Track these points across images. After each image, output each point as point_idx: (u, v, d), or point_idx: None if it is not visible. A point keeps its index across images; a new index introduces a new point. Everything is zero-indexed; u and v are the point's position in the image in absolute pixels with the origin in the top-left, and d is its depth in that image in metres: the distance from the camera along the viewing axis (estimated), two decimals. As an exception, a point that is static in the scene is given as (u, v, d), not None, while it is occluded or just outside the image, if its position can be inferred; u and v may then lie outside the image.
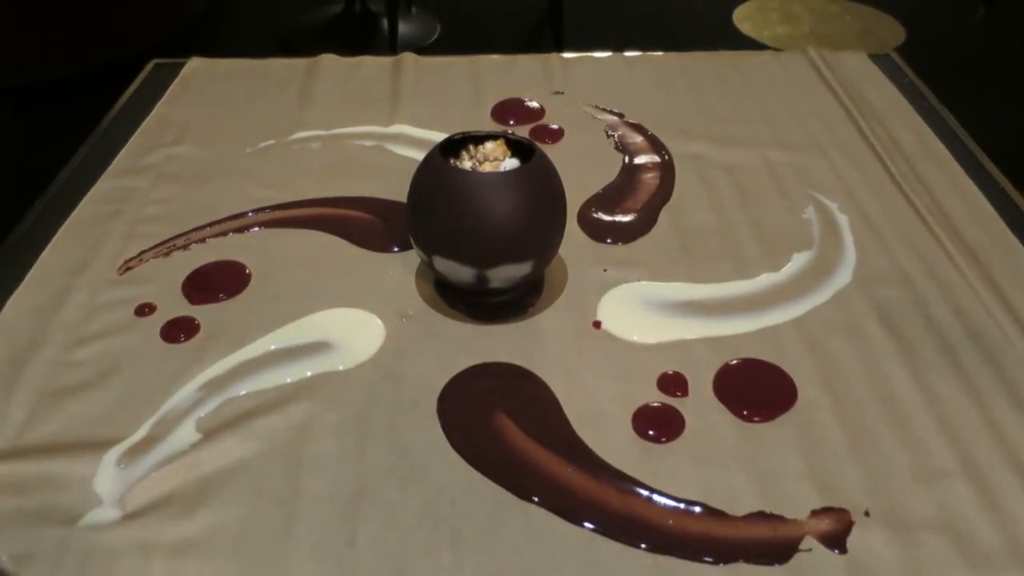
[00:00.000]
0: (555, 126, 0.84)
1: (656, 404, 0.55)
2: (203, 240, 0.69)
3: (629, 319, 0.61)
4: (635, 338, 0.60)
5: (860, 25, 2.51)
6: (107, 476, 0.50)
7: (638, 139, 0.82)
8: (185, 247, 0.68)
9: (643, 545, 0.47)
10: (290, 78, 0.92)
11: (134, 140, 0.82)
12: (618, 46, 0.98)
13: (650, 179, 0.77)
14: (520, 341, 0.60)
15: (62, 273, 0.65)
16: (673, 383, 0.56)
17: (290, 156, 0.80)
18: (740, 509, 0.49)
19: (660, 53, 0.97)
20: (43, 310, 0.62)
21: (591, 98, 0.88)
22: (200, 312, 0.62)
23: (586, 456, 0.52)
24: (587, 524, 0.48)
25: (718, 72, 0.92)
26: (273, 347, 0.59)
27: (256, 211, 0.72)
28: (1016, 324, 0.60)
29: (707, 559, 0.46)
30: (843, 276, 0.65)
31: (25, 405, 0.55)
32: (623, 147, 0.81)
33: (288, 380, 0.57)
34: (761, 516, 0.48)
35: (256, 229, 0.71)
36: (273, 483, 0.50)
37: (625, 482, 0.50)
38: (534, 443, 0.52)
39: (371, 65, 0.95)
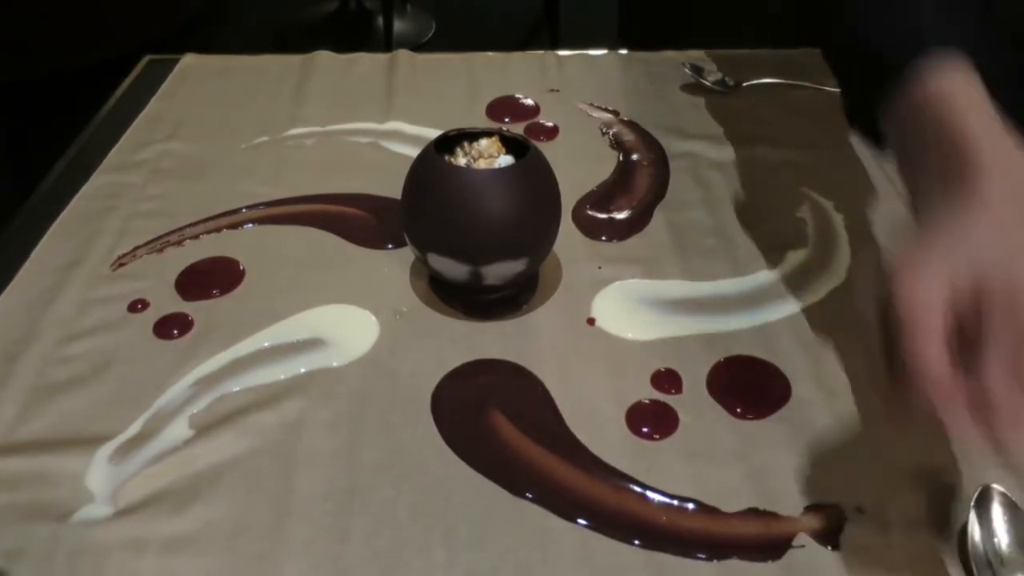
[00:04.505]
0: (550, 124, 0.84)
1: (650, 401, 0.55)
2: (197, 236, 0.69)
3: (623, 316, 0.61)
4: (629, 335, 0.60)
5: (855, 25, 2.52)
6: (99, 472, 0.50)
7: (633, 137, 0.82)
8: (179, 243, 0.68)
9: (636, 541, 0.47)
10: (285, 75, 0.92)
11: (128, 136, 0.81)
12: (613, 44, 0.98)
13: (645, 177, 0.77)
14: (514, 338, 0.60)
15: (55, 268, 0.65)
16: (667, 380, 0.56)
17: (285, 152, 0.80)
18: (733, 506, 0.49)
19: (655, 51, 0.97)
20: (35, 305, 0.62)
21: (586, 96, 0.88)
22: (193, 308, 0.62)
23: (580, 453, 0.52)
24: (580, 521, 0.48)
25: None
26: (267, 344, 0.59)
27: (250, 207, 0.72)
28: (1009, 322, 0.61)
29: (700, 555, 0.46)
30: (837, 274, 0.65)
31: (17, 400, 0.54)
32: (618, 145, 0.81)
33: (282, 377, 0.56)
34: (754, 513, 0.48)
35: (250, 225, 0.70)
36: (266, 480, 0.50)
37: (619, 479, 0.50)
38: (528, 440, 0.52)
39: (366, 62, 0.95)
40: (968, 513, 0.46)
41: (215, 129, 0.82)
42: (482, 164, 0.59)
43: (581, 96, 0.88)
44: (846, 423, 0.53)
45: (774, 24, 0.96)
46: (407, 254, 0.65)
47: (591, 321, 0.61)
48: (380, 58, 0.95)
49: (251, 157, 0.79)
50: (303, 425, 0.53)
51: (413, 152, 0.62)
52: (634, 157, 0.79)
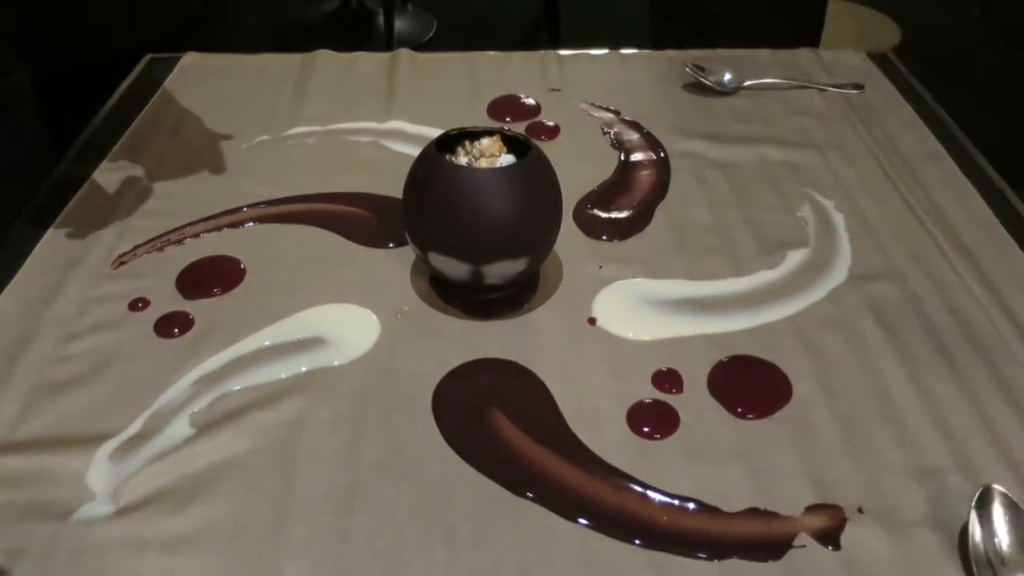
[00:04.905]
0: (551, 123, 0.84)
1: (651, 401, 0.55)
2: (198, 235, 0.69)
3: (624, 316, 0.61)
4: (630, 335, 0.60)
5: (856, 25, 2.52)
6: (100, 471, 0.50)
7: (634, 136, 0.82)
8: (179, 242, 0.68)
9: (637, 541, 0.47)
10: (286, 74, 0.92)
11: (128, 135, 0.81)
12: (614, 44, 0.98)
13: (646, 176, 0.77)
14: (515, 338, 0.60)
15: (55, 267, 0.65)
16: (668, 380, 0.56)
17: (285, 151, 0.80)
18: (734, 505, 0.49)
19: (656, 51, 0.97)
20: (36, 304, 0.62)
21: (587, 95, 0.88)
22: (194, 307, 0.62)
23: (581, 452, 0.51)
24: (581, 520, 0.48)
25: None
26: (268, 342, 0.59)
27: (251, 206, 0.72)
28: (1010, 322, 0.61)
29: (701, 555, 0.46)
30: (838, 274, 0.65)
31: (18, 399, 0.54)
32: (619, 144, 0.81)
33: (283, 375, 0.56)
34: (755, 512, 0.48)
35: (251, 224, 0.70)
36: (267, 479, 0.50)
37: (619, 478, 0.50)
38: (529, 439, 0.52)
39: (367, 61, 0.95)
40: (969, 513, 0.46)
41: (216, 128, 0.82)
42: (483, 163, 0.59)
43: (582, 96, 0.88)
44: (847, 423, 0.53)
45: (790, 22, 0.96)
46: (408, 253, 0.65)
47: (592, 321, 0.61)
48: (381, 57, 0.95)
49: (252, 156, 0.79)
50: (304, 424, 0.53)
51: (414, 151, 0.62)
52: (635, 157, 0.79)
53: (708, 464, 0.51)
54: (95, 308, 0.62)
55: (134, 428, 0.53)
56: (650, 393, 0.55)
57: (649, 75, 0.92)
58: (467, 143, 0.61)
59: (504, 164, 0.59)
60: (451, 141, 0.61)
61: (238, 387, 0.55)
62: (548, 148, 0.61)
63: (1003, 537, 0.45)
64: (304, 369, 0.57)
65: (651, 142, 0.81)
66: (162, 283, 0.64)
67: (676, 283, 0.65)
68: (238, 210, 0.72)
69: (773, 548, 0.46)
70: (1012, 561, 0.44)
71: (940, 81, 0.96)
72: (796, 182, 0.76)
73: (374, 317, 0.61)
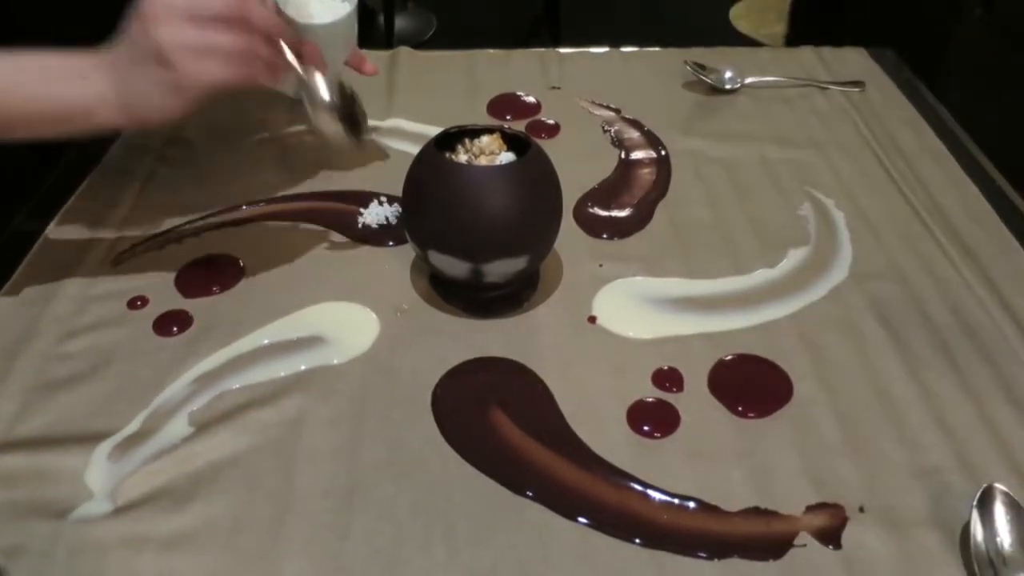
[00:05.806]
0: (551, 121, 0.84)
1: (651, 399, 0.55)
2: (197, 233, 0.69)
3: (625, 314, 0.61)
4: (630, 333, 0.60)
5: (857, 23, 2.51)
6: (99, 469, 0.50)
7: (634, 135, 0.82)
8: (179, 240, 0.68)
9: (637, 540, 0.47)
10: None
11: (128, 134, 0.81)
12: (614, 42, 0.98)
13: (646, 175, 0.76)
14: (515, 336, 0.59)
15: (55, 265, 0.65)
16: (668, 378, 0.56)
17: (285, 149, 0.79)
18: (735, 504, 0.48)
19: (657, 49, 0.97)
20: (35, 302, 0.62)
21: (587, 93, 0.88)
22: (193, 305, 0.62)
23: (581, 451, 0.51)
24: (581, 519, 0.48)
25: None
26: (267, 341, 0.59)
27: (251, 204, 0.72)
28: (1012, 321, 0.60)
29: (701, 554, 0.46)
30: (839, 272, 0.65)
31: (16, 398, 0.54)
32: (619, 142, 0.81)
33: (282, 374, 0.56)
34: (756, 512, 0.48)
35: (251, 223, 0.70)
36: (266, 477, 0.50)
37: (620, 477, 0.50)
38: (529, 438, 0.52)
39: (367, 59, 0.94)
40: (970, 513, 0.46)
41: (216, 126, 0.82)
42: (483, 161, 0.59)
43: (582, 93, 0.88)
44: (847, 422, 0.53)
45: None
46: (408, 251, 0.65)
47: (592, 319, 0.61)
48: (381, 55, 0.95)
49: (252, 154, 0.79)
50: (303, 423, 0.53)
51: (414, 149, 0.62)
52: (635, 155, 0.79)
53: (708, 463, 0.51)
54: (94, 306, 0.61)
55: (133, 426, 0.53)
56: (650, 392, 0.55)
57: (650, 73, 0.92)
58: (467, 141, 0.61)
59: (504, 162, 0.59)
60: (451, 139, 0.61)
61: (237, 385, 0.55)
62: (548, 146, 0.61)
63: (1005, 536, 0.45)
64: (303, 367, 0.57)
65: (652, 140, 0.81)
66: (161, 281, 0.64)
67: (677, 281, 0.64)
68: (238, 208, 0.71)
69: (773, 547, 0.46)
70: (1014, 560, 0.44)
71: (941, 80, 0.96)
72: (797, 180, 0.75)
73: (374, 315, 0.61)
